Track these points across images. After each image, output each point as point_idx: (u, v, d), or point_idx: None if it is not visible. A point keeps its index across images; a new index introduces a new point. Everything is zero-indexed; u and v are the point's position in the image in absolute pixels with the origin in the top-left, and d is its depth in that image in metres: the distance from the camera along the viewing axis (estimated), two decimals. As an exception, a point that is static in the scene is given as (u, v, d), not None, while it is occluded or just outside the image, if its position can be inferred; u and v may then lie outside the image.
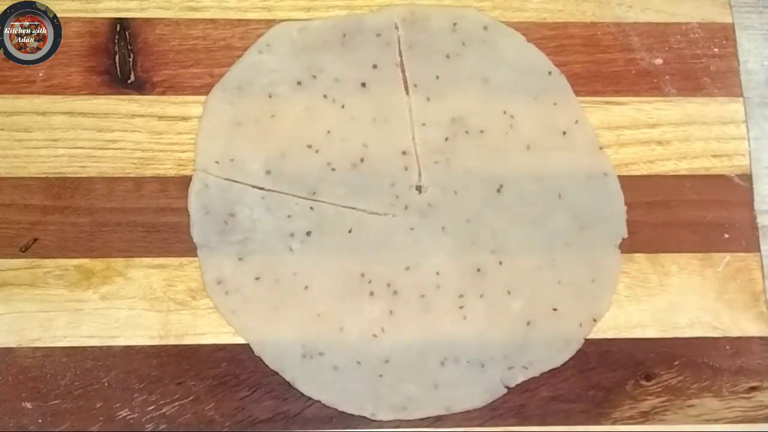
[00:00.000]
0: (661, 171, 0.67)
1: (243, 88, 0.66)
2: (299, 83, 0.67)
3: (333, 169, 0.65)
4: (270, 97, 0.66)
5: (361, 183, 0.65)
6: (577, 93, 0.68)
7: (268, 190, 0.65)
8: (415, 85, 0.67)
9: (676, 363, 0.63)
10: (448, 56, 0.68)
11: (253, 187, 0.65)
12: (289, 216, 0.64)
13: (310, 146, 0.65)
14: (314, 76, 0.67)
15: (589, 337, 0.63)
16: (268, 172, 0.65)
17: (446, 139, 0.66)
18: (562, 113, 0.67)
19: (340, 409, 0.61)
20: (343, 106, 0.66)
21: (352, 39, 0.68)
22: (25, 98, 0.66)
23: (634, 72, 0.68)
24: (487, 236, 0.64)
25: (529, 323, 0.63)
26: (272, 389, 0.62)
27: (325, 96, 0.66)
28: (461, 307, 0.63)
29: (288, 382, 0.62)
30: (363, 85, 0.67)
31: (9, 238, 0.63)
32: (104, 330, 0.62)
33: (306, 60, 0.67)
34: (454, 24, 0.68)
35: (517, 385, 0.62)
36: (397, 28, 0.68)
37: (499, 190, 0.65)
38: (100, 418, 0.61)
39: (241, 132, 0.66)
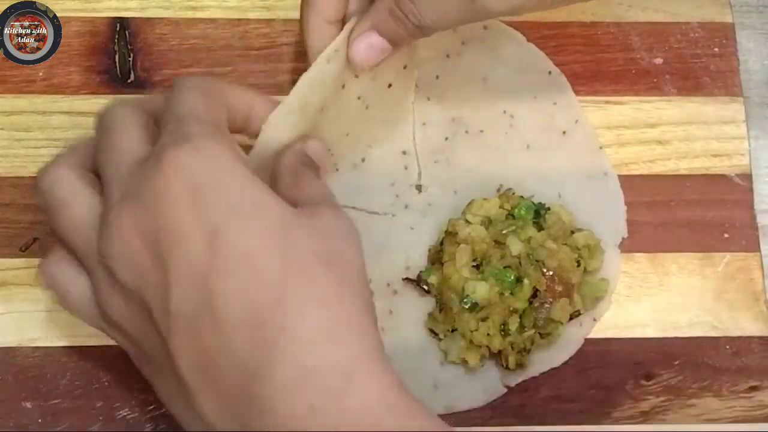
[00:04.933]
0: (661, 171, 0.67)
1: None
2: None
3: (337, 170, 0.65)
4: None
5: (361, 182, 0.65)
6: (577, 92, 0.68)
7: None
8: (416, 85, 0.67)
9: (676, 362, 0.63)
10: (447, 56, 0.67)
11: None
12: (289, 216, 0.64)
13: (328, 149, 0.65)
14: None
15: (588, 336, 0.63)
16: None
17: (446, 138, 0.66)
18: (562, 113, 0.67)
19: (340, 408, 0.61)
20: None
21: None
22: (25, 98, 0.66)
23: (634, 71, 0.68)
24: (486, 236, 0.64)
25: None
26: (272, 389, 0.62)
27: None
28: (461, 307, 0.63)
29: (288, 382, 0.62)
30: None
31: (9, 237, 0.63)
32: (104, 329, 0.62)
33: None
34: (454, 23, 0.68)
35: (517, 385, 0.62)
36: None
37: (498, 190, 0.65)
38: (100, 418, 0.60)
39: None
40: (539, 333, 0.61)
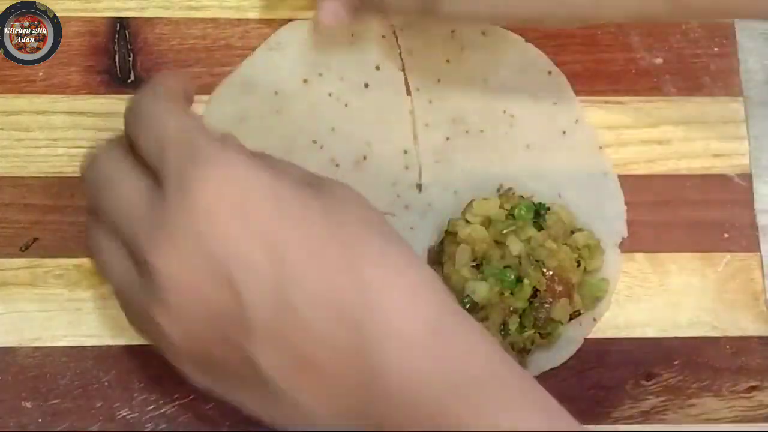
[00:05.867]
0: (661, 171, 0.67)
1: (249, 85, 0.66)
2: (305, 81, 0.67)
3: (337, 165, 0.65)
4: (276, 94, 0.66)
5: (363, 180, 0.65)
6: (577, 92, 0.68)
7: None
8: (418, 89, 0.67)
9: (676, 362, 0.63)
10: (448, 61, 0.68)
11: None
12: (290, 216, 0.64)
13: (315, 141, 0.65)
14: (320, 74, 0.67)
15: (588, 336, 0.63)
16: None
17: (447, 138, 0.66)
18: (561, 113, 0.67)
19: (340, 408, 0.61)
20: (346, 105, 0.66)
21: (360, 39, 0.68)
22: (25, 98, 0.66)
23: (634, 71, 0.68)
24: (486, 236, 0.64)
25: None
26: (272, 389, 0.62)
27: (330, 94, 0.66)
28: (461, 307, 0.63)
29: (288, 382, 0.62)
30: (366, 85, 0.67)
31: (9, 237, 0.63)
32: (104, 329, 0.62)
33: (314, 58, 0.67)
34: (453, 31, 0.68)
35: (517, 385, 0.62)
36: (396, 36, 0.68)
37: (498, 190, 0.65)
38: (100, 418, 0.60)
39: (245, 126, 0.65)
40: (539, 333, 0.61)
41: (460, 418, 0.46)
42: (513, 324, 0.60)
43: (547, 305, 0.60)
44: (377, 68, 0.67)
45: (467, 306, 0.60)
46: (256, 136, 0.65)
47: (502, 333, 0.60)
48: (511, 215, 0.62)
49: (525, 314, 0.60)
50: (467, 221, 0.62)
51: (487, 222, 0.62)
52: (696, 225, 0.66)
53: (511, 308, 0.60)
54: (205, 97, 0.66)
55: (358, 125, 0.66)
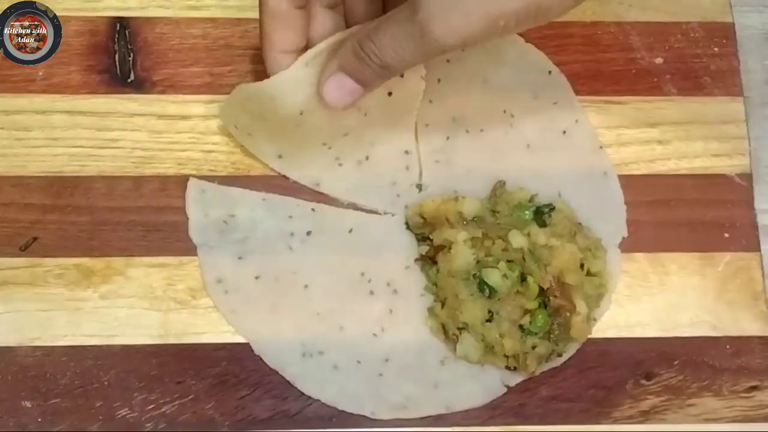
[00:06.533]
0: (661, 170, 0.67)
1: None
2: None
3: (340, 164, 0.65)
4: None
5: (364, 180, 0.65)
6: (577, 92, 0.68)
7: (267, 193, 0.65)
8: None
9: (676, 362, 0.63)
10: (448, 61, 0.68)
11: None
12: (290, 217, 0.64)
13: (323, 143, 0.65)
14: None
15: (588, 336, 0.63)
16: (280, 156, 0.65)
17: (447, 138, 0.66)
18: (562, 112, 0.67)
19: (340, 408, 0.61)
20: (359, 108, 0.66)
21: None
22: (25, 97, 0.66)
23: (634, 71, 0.68)
24: (486, 236, 0.64)
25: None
26: (272, 388, 0.62)
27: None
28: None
29: (288, 381, 0.62)
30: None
31: (9, 237, 0.63)
32: (104, 329, 0.62)
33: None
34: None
35: (517, 385, 0.62)
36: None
37: (495, 187, 0.65)
38: (100, 417, 0.60)
39: (263, 125, 0.64)
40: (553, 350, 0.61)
41: None
42: (532, 322, 0.60)
43: (560, 320, 0.61)
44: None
45: (486, 293, 0.60)
46: (269, 129, 0.65)
47: (523, 332, 0.60)
48: (496, 212, 0.63)
49: (535, 320, 0.60)
50: (465, 221, 0.62)
51: (482, 221, 0.62)
52: (696, 225, 0.66)
53: (524, 308, 0.60)
54: (203, 97, 0.66)
55: (366, 126, 0.65)
